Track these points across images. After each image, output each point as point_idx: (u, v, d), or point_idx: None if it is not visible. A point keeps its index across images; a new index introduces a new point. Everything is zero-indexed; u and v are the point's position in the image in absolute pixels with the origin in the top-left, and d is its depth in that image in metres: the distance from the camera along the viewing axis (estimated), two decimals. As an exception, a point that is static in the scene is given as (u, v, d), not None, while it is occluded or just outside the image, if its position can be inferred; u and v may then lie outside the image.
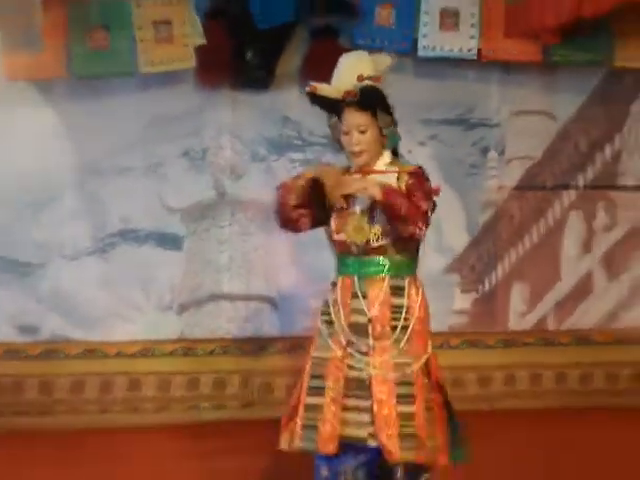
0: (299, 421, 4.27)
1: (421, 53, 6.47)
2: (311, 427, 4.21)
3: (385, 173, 4.21)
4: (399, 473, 4.16)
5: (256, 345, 6.80)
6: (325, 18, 6.51)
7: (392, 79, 6.43)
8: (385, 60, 4.37)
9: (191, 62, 6.28)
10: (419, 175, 4.16)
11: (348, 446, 4.17)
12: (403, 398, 4.13)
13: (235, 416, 6.72)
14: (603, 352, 7.17)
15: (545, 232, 7.16)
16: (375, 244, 4.15)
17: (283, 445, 4.36)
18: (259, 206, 6.73)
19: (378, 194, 3.95)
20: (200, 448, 6.06)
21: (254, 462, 5.69)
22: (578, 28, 6.08)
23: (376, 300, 4.19)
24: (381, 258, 4.19)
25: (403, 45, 6.46)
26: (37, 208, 6.54)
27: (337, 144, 4.31)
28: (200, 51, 6.26)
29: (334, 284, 4.32)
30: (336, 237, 4.24)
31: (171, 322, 6.77)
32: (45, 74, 6.24)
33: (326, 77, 6.35)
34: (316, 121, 6.69)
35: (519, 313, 7.16)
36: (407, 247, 4.22)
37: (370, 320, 4.18)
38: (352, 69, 4.24)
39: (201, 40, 6.25)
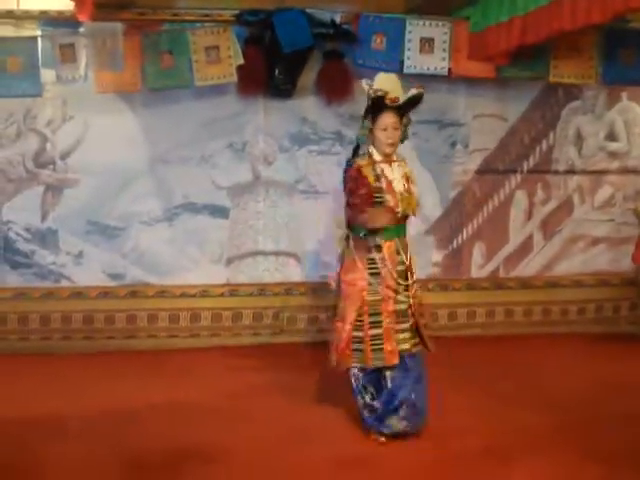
0: (368, 346, 4.54)
1: (406, 71, 6.39)
2: (378, 349, 4.51)
3: (399, 162, 4.60)
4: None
5: (284, 288, 6.88)
6: (333, 44, 6.53)
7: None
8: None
9: (233, 78, 6.31)
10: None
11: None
12: (420, 315, 4.66)
13: (269, 341, 6.83)
14: (540, 293, 7.27)
15: (498, 205, 7.22)
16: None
17: (343, 366, 4.65)
18: (285, 185, 6.88)
19: None
20: (243, 365, 6.18)
21: (282, 376, 5.78)
22: (523, 52, 6.02)
23: (407, 253, 4.56)
24: (405, 225, 4.60)
25: (392, 65, 6.39)
26: (122, 187, 6.65)
27: (362, 136, 4.57)
28: (240, 69, 6.29)
29: (378, 247, 4.52)
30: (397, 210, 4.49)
31: (220, 271, 6.86)
32: (126, 88, 6.27)
33: (334, 88, 6.50)
34: (327, 121, 6.86)
35: (478, 265, 7.26)
36: None
37: (406, 267, 4.56)
38: (394, 84, 4.47)
39: (241, 61, 6.28)
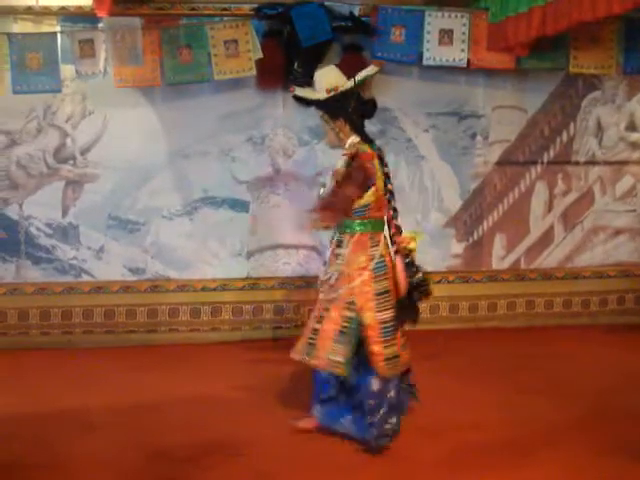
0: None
1: (425, 63, 6.46)
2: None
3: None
4: None
5: (304, 281, 6.84)
6: (352, 37, 6.53)
7: (403, 83, 6.50)
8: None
9: (252, 71, 6.32)
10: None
11: None
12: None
13: (289, 334, 6.73)
14: (561, 285, 7.26)
15: (518, 196, 7.22)
16: None
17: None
18: (304, 178, 6.86)
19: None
20: (264, 358, 6.19)
21: (303, 369, 5.48)
22: (542, 43, 6.06)
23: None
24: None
25: (411, 57, 6.46)
26: (143, 182, 6.69)
27: None
28: (259, 63, 6.30)
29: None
30: None
31: (241, 265, 6.88)
32: (145, 82, 6.31)
33: (353, 81, 6.48)
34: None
35: (499, 256, 7.25)
36: None
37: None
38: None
39: (260, 54, 6.29)
